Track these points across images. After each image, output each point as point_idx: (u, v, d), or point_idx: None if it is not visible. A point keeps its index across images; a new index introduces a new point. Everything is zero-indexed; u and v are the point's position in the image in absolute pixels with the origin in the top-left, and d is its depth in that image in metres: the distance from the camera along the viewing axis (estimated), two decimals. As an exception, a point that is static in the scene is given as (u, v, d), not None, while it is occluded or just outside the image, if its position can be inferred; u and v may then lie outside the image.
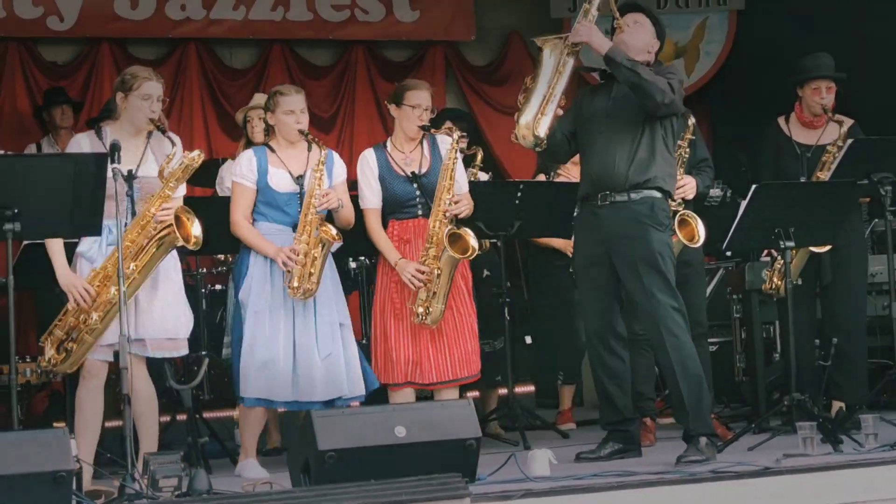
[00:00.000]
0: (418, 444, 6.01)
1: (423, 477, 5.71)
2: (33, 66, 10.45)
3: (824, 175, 7.91)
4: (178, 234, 6.54)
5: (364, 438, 5.96)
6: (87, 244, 6.71)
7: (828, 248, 7.92)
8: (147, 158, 6.84)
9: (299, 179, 7.24)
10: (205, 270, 8.98)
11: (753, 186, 7.41)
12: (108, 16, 10.49)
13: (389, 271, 7.43)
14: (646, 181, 6.82)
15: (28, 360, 8.44)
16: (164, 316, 6.80)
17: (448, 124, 7.76)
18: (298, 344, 7.17)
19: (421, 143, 7.56)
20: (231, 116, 10.67)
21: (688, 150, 7.79)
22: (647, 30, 7.03)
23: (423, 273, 7.27)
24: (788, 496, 6.12)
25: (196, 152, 6.79)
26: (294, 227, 7.21)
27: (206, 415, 8.22)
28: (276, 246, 7.16)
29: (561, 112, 6.95)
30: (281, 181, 7.26)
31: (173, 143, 6.80)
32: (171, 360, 6.97)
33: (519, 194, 8.08)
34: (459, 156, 7.51)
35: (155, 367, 6.91)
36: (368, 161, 7.52)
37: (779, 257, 7.80)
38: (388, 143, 7.60)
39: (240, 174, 7.31)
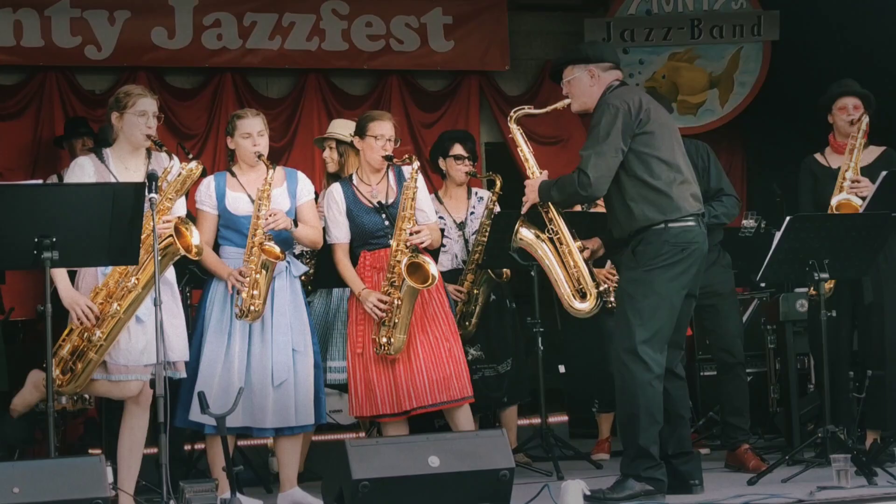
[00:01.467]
0: (452, 473, 6.02)
1: (457, 507, 5.74)
2: (71, 95, 10.53)
3: (854, 174, 7.91)
4: (178, 244, 6.56)
5: (398, 468, 5.97)
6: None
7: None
8: None
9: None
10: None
11: (788, 218, 7.41)
12: (145, 45, 10.58)
13: (358, 304, 7.42)
14: (636, 230, 6.82)
15: (64, 387, 8.48)
16: (173, 338, 6.83)
17: (407, 156, 7.71)
18: (253, 369, 7.15)
19: (386, 173, 7.59)
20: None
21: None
22: (582, 79, 6.96)
23: (384, 303, 7.29)
24: (822, 529, 6.12)
25: (194, 163, 6.83)
26: None
27: (240, 443, 8.24)
28: (228, 268, 7.18)
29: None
30: (239, 204, 7.27)
31: (170, 157, 6.82)
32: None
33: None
34: (422, 185, 7.52)
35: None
36: (334, 195, 7.56)
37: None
38: (354, 177, 7.63)
39: (200, 201, 7.34)
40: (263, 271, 7.07)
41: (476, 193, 8.69)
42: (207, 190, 7.33)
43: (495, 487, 6.08)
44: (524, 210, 7.06)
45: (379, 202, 7.47)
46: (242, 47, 10.82)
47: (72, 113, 10.46)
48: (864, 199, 7.74)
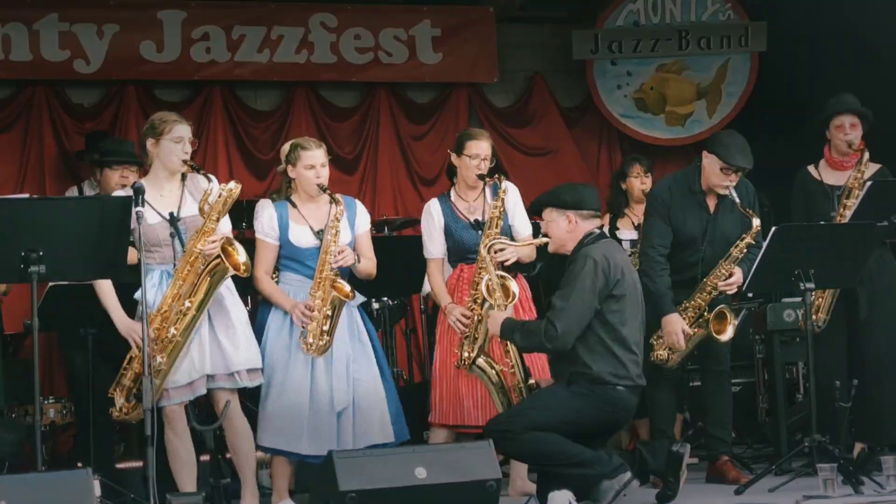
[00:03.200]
0: (439, 485, 6.05)
1: (444, 518, 5.75)
2: (60, 109, 10.51)
3: (850, 207, 7.91)
4: (227, 263, 6.61)
5: (385, 479, 6.00)
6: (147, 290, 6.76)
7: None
8: (186, 200, 6.93)
9: (319, 234, 7.27)
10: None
11: (773, 228, 7.45)
12: (133, 59, 10.57)
13: (446, 317, 7.57)
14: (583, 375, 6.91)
15: (52, 400, 8.47)
16: (248, 346, 6.96)
17: (498, 174, 7.78)
18: (315, 396, 7.19)
19: (483, 190, 7.72)
20: (256, 157, 10.77)
21: (744, 249, 7.72)
22: (559, 224, 7.04)
23: (467, 318, 7.35)
24: (808, 538, 6.14)
25: (233, 183, 6.88)
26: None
27: (228, 455, 8.23)
28: (292, 301, 7.21)
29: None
30: (302, 236, 7.31)
31: (209, 180, 6.88)
32: (194, 400, 7.01)
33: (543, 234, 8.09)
34: (518, 202, 7.69)
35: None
36: (432, 212, 7.72)
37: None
38: (452, 193, 7.79)
39: (261, 231, 7.36)
40: (332, 308, 7.10)
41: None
42: (270, 221, 7.35)
43: (482, 498, 6.10)
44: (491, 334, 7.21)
45: (476, 219, 7.62)
46: (231, 60, 10.82)
47: (61, 127, 10.45)
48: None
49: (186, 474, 6.86)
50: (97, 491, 5.80)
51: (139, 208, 6.37)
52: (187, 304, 6.66)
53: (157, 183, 6.92)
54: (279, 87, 11.14)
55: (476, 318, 7.35)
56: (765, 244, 7.50)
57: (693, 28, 11.49)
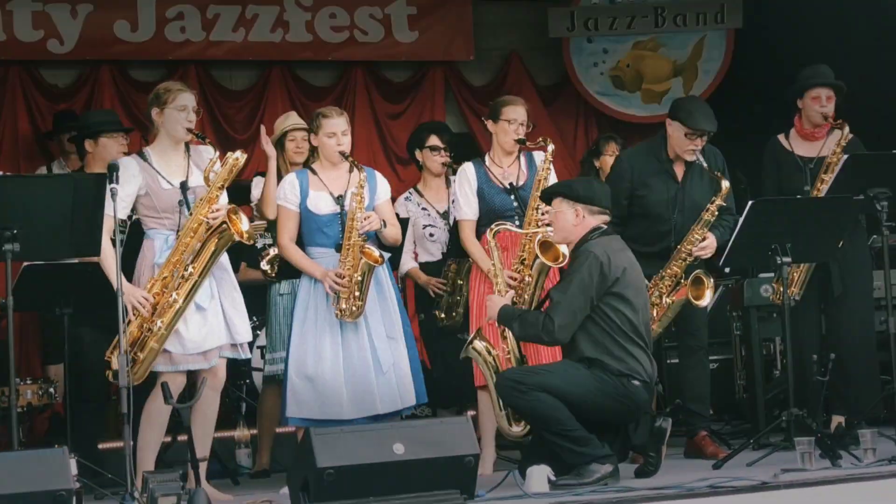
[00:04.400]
0: (417, 461, 6.03)
1: (422, 493, 5.76)
2: (34, 90, 10.46)
3: (827, 182, 7.92)
4: (233, 230, 6.68)
5: (362, 456, 5.98)
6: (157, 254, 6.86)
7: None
8: (192, 171, 7.00)
9: (339, 199, 7.34)
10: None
11: (750, 202, 7.45)
12: (107, 38, 10.52)
13: (482, 280, 7.65)
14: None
15: (30, 381, 8.44)
16: (246, 319, 7.04)
17: (541, 140, 7.80)
18: (350, 361, 7.26)
19: (518, 157, 7.81)
20: (231, 137, 10.72)
21: (715, 213, 7.71)
22: (567, 216, 7.05)
23: (514, 279, 7.43)
24: (786, 510, 6.15)
25: (238, 153, 6.94)
26: (336, 248, 7.33)
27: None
28: (323, 269, 7.29)
29: None
30: (321, 203, 7.38)
31: (214, 149, 6.96)
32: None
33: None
34: (552, 169, 7.72)
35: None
36: (468, 174, 7.82)
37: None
38: (487, 158, 7.90)
39: (283, 198, 7.45)
40: (362, 273, 7.17)
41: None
42: (292, 188, 7.44)
43: (460, 474, 6.10)
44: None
45: (510, 184, 7.69)
46: (206, 40, 10.77)
47: (35, 107, 10.40)
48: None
49: (153, 449, 6.89)
50: (74, 470, 5.77)
51: (113, 185, 6.34)
52: (190, 269, 6.72)
53: (164, 152, 6.98)
54: (254, 66, 11.10)
55: (526, 278, 7.44)
56: (741, 219, 7.50)
57: (669, 5, 11.48)
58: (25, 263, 7.47)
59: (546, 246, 7.36)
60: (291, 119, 8.46)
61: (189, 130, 6.95)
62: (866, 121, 8.39)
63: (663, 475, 6.90)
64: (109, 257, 6.66)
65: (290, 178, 7.51)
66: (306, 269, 7.37)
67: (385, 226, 7.37)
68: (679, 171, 7.92)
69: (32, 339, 9.49)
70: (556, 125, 11.63)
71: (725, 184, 7.74)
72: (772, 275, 8.49)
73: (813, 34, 10.35)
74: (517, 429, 7.19)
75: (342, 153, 7.38)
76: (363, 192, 7.30)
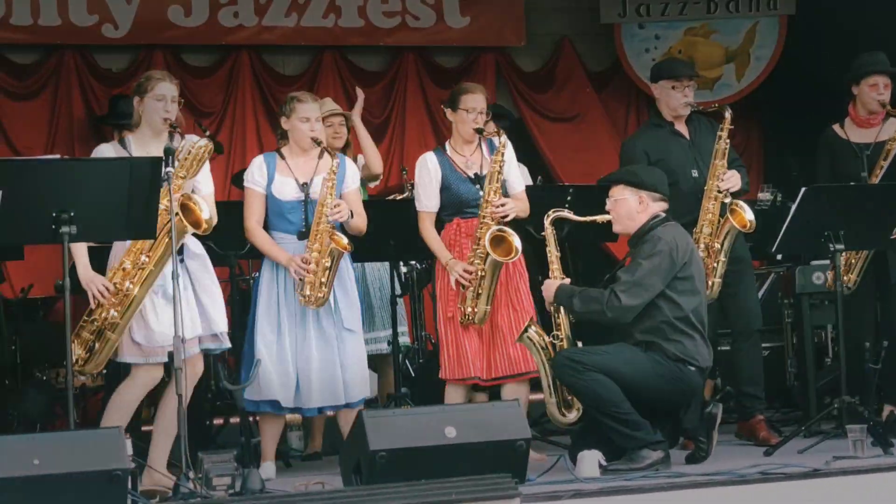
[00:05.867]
0: (468, 444, 6.04)
1: (473, 477, 5.75)
2: (89, 74, 10.54)
3: (885, 168, 7.90)
4: (185, 221, 6.56)
5: (415, 439, 6.00)
6: (119, 245, 6.78)
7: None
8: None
9: (304, 187, 7.30)
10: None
11: (802, 189, 7.42)
12: (161, 23, 10.59)
13: (445, 273, 7.55)
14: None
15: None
16: (214, 311, 6.91)
17: (493, 127, 7.81)
18: (299, 350, 7.24)
19: (479, 145, 7.67)
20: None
21: (727, 140, 7.73)
22: (630, 203, 7.08)
23: (469, 273, 7.35)
24: (837, 498, 6.13)
25: (203, 141, 6.85)
26: (298, 236, 7.29)
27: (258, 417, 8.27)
28: (288, 254, 7.23)
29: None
30: (285, 189, 7.32)
31: (182, 137, 6.87)
32: (224, 361, 7.04)
33: (569, 198, 8.10)
34: (511, 157, 7.60)
35: (208, 368, 6.98)
36: (429, 165, 7.64)
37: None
38: (448, 147, 7.72)
39: (251, 180, 7.38)
40: (330, 259, 7.13)
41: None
42: (260, 170, 7.38)
43: (511, 458, 6.11)
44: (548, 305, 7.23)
45: (475, 173, 7.58)
46: (259, 25, 10.83)
47: (90, 92, 10.49)
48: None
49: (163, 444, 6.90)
50: (129, 450, 5.82)
51: (169, 169, 6.38)
52: (144, 258, 6.65)
53: (143, 141, 6.92)
54: (307, 51, 11.14)
55: (479, 272, 7.36)
56: (794, 206, 7.47)
57: (721, -9, 11.46)
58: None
59: (498, 241, 7.33)
60: (328, 105, 8.49)
61: (165, 120, 6.86)
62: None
63: (714, 461, 6.90)
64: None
65: (259, 161, 7.43)
66: (271, 255, 7.29)
67: (352, 216, 7.32)
68: (683, 130, 7.97)
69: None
70: (607, 111, 11.64)
71: (728, 110, 7.77)
72: (824, 262, 8.45)
73: (866, 20, 10.28)
74: (568, 416, 7.19)
75: (314, 139, 7.30)
76: (334, 178, 7.22)
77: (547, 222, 7.34)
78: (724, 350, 8.73)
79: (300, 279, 7.16)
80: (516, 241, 7.33)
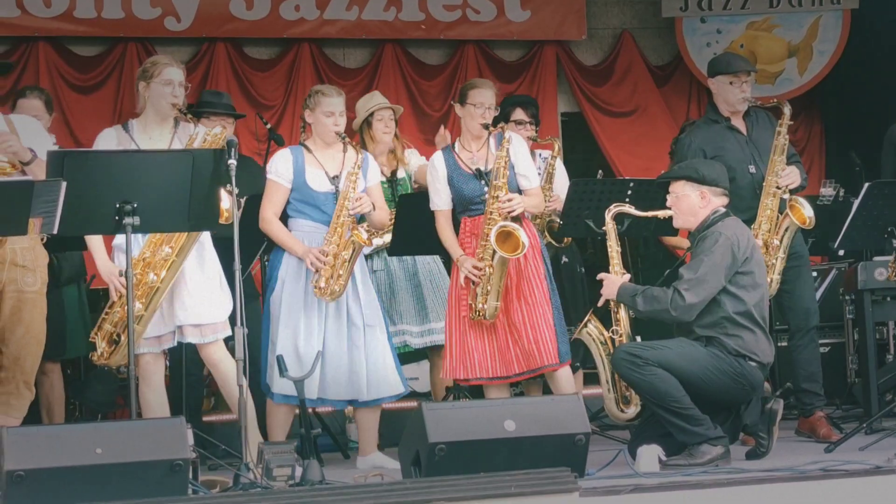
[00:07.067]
0: (528, 437, 6.04)
1: (533, 470, 5.75)
2: (151, 67, 10.59)
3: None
4: None
5: (474, 431, 6.00)
6: (121, 237, 6.76)
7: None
8: (175, 146, 6.93)
9: (335, 180, 7.32)
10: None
11: (866, 185, 7.37)
12: (223, 16, 10.64)
13: (458, 270, 7.52)
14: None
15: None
16: (210, 300, 6.96)
17: (502, 123, 7.79)
18: (328, 344, 7.24)
19: (487, 141, 7.64)
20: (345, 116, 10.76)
21: (786, 136, 7.70)
22: (692, 199, 7.08)
23: (479, 269, 7.34)
24: (899, 495, 6.09)
25: (218, 129, 6.92)
26: (329, 226, 7.30)
27: (319, 409, 8.31)
28: (305, 246, 7.25)
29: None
30: (319, 181, 7.34)
31: (195, 125, 6.91)
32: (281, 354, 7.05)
33: (629, 192, 8.08)
34: (524, 152, 7.61)
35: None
36: (436, 164, 7.64)
37: None
38: (457, 144, 7.72)
39: (275, 172, 7.39)
40: (350, 251, 7.15)
41: (540, 154, 8.67)
42: (284, 163, 7.39)
43: (571, 452, 6.10)
44: (599, 303, 7.25)
45: (478, 169, 7.53)
46: (320, 18, 10.85)
47: (153, 84, 10.54)
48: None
49: None
50: (191, 440, 5.86)
51: (231, 160, 6.41)
52: (167, 249, 6.70)
53: (147, 126, 6.98)
54: (367, 44, 11.16)
55: (487, 269, 7.34)
56: (857, 201, 7.43)
57: (784, -15, 11.39)
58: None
59: (505, 236, 7.30)
60: (376, 98, 8.51)
61: (173, 106, 6.91)
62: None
63: (774, 457, 6.88)
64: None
65: (284, 153, 7.45)
66: (289, 246, 7.31)
67: (374, 209, 7.34)
68: (740, 125, 7.92)
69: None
70: (668, 105, 11.59)
71: (788, 107, 7.73)
72: (887, 258, 8.38)
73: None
74: (626, 412, 7.17)
75: (338, 133, 7.33)
76: (358, 173, 7.25)
77: (608, 217, 7.32)
78: (781, 346, 8.70)
79: (316, 271, 7.18)
80: (523, 237, 7.29)
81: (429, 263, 8.47)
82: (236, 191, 6.46)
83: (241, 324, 6.26)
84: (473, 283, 7.36)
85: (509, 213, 7.37)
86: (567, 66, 11.52)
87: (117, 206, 6.23)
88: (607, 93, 11.57)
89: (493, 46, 11.40)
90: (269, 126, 9.19)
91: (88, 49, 10.58)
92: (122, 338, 6.73)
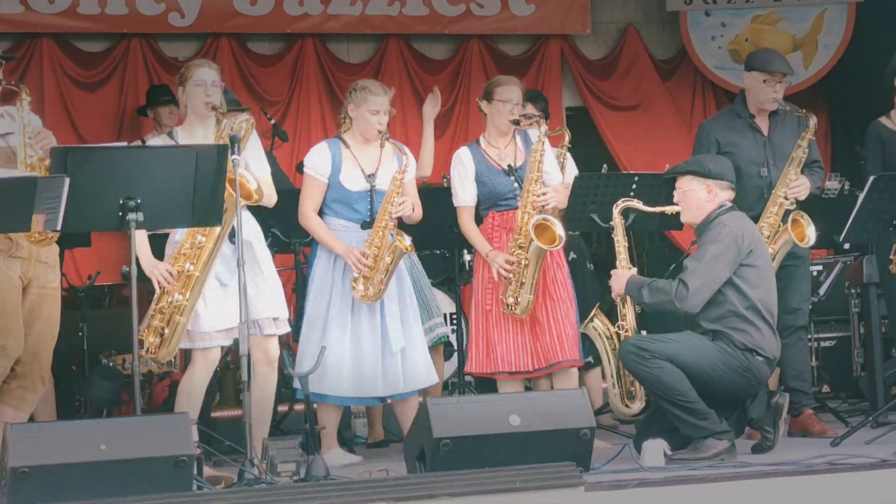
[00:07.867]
0: (533, 432, 6.05)
1: (538, 465, 5.75)
2: (155, 63, 10.58)
3: None
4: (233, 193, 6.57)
5: (479, 426, 6.01)
6: (180, 232, 6.86)
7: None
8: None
9: (370, 178, 7.30)
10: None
11: (871, 178, 7.35)
12: (227, 12, 10.62)
13: (485, 265, 7.51)
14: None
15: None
16: (272, 295, 6.98)
17: (535, 117, 7.80)
18: (358, 341, 7.25)
19: (514, 137, 7.65)
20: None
21: (806, 150, 7.70)
22: (698, 193, 7.10)
23: (511, 263, 7.33)
24: (905, 489, 6.08)
25: (245, 115, 6.93)
26: (362, 225, 7.30)
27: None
28: (346, 245, 7.25)
29: None
30: (353, 179, 7.34)
31: (223, 117, 6.93)
32: (288, 348, 7.06)
33: (634, 186, 8.06)
34: (548, 147, 7.61)
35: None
36: (463, 160, 7.63)
37: None
38: (482, 140, 7.71)
39: (313, 167, 7.38)
40: (391, 258, 7.17)
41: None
42: (323, 158, 7.38)
43: (576, 446, 6.10)
44: (616, 301, 7.27)
45: (509, 165, 7.55)
46: (324, 13, 10.84)
47: (156, 80, 10.53)
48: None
49: None
50: (195, 436, 5.86)
51: (235, 156, 6.41)
52: (201, 237, 6.73)
53: (191, 128, 7.04)
54: (371, 39, 11.14)
55: (522, 261, 7.34)
56: (862, 194, 7.41)
57: (789, -22, 11.36)
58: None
59: (542, 229, 7.32)
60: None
61: (208, 104, 6.94)
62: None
63: (780, 452, 6.87)
64: None
65: (323, 148, 7.44)
66: (328, 243, 7.31)
67: (413, 209, 7.35)
68: (763, 124, 7.90)
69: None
70: (672, 99, 11.56)
71: (813, 120, 7.71)
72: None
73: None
74: (631, 407, 7.17)
75: (381, 132, 7.31)
76: (403, 177, 7.25)
77: (616, 211, 7.31)
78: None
79: (358, 272, 7.17)
80: (559, 230, 7.33)
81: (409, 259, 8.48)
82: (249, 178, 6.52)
83: (242, 320, 6.27)
84: (505, 277, 7.35)
85: (543, 206, 7.37)
86: (571, 60, 11.50)
87: (121, 202, 6.21)
88: (612, 87, 11.55)
89: (498, 41, 11.39)
90: (273, 122, 9.17)
91: (92, 45, 10.57)
92: (167, 331, 6.76)
